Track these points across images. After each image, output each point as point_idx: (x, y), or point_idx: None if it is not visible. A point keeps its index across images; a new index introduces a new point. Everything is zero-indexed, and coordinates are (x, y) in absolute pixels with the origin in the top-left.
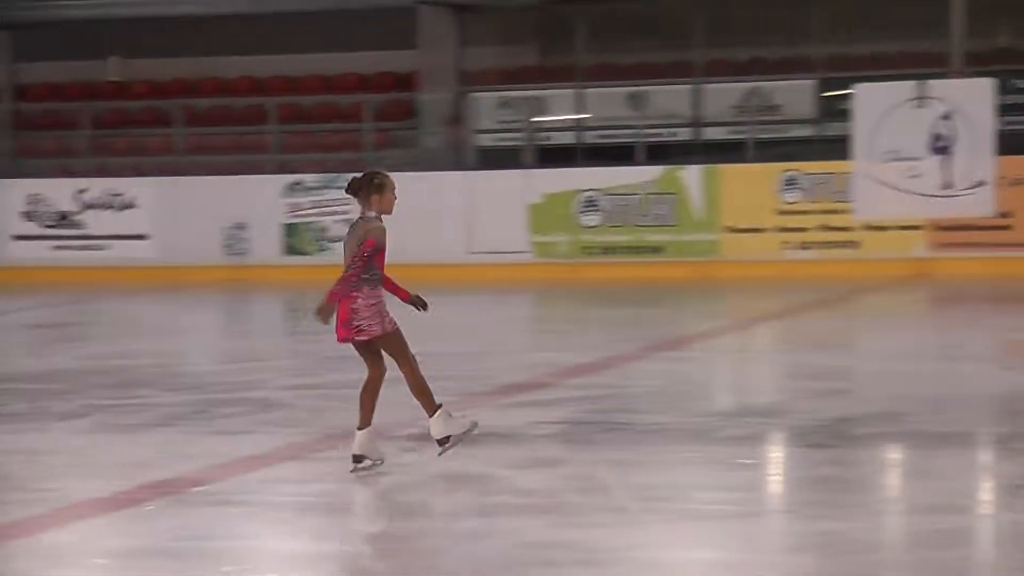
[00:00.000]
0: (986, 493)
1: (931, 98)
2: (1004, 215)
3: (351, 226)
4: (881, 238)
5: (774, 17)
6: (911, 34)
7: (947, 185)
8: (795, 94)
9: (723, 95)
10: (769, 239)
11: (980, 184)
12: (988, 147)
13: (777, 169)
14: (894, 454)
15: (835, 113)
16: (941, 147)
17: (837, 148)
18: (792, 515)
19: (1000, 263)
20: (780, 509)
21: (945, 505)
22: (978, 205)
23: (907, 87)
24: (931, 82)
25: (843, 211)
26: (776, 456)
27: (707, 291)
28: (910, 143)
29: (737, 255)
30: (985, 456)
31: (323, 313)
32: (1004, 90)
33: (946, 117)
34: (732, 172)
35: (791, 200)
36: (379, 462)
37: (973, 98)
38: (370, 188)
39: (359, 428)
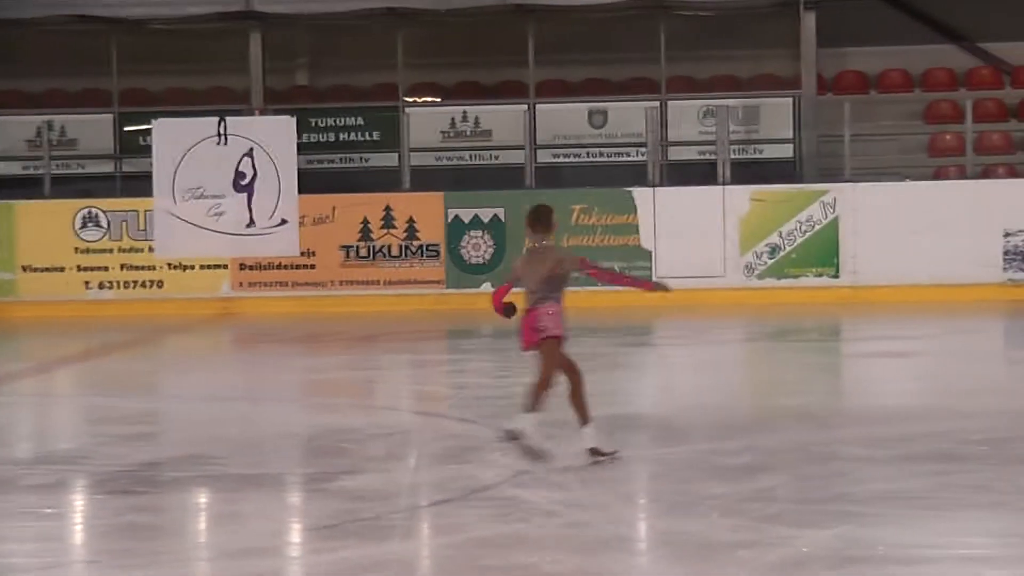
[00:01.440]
0: (295, 535)
1: (234, 135)
2: (307, 254)
3: (532, 252)
4: (185, 277)
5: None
6: (214, 69)
7: (251, 223)
8: (93, 128)
9: (17, 128)
10: (69, 278)
11: (284, 223)
12: (291, 185)
13: (75, 206)
14: (203, 498)
15: (136, 148)
16: (244, 185)
17: (138, 185)
18: (98, 565)
19: (304, 302)
20: (85, 559)
21: (256, 548)
22: (282, 244)
23: (209, 123)
24: (233, 119)
25: (145, 249)
26: (81, 504)
27: (4, 333)
28: (212, 180)
29: (35, 295)
30: (293, 497)
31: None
32: (304, 128)
33: (248, 155)
34: (28, 209)
35: (91, 238)
36: (615, 453)
37: (275, 135)
38: (551, 220)
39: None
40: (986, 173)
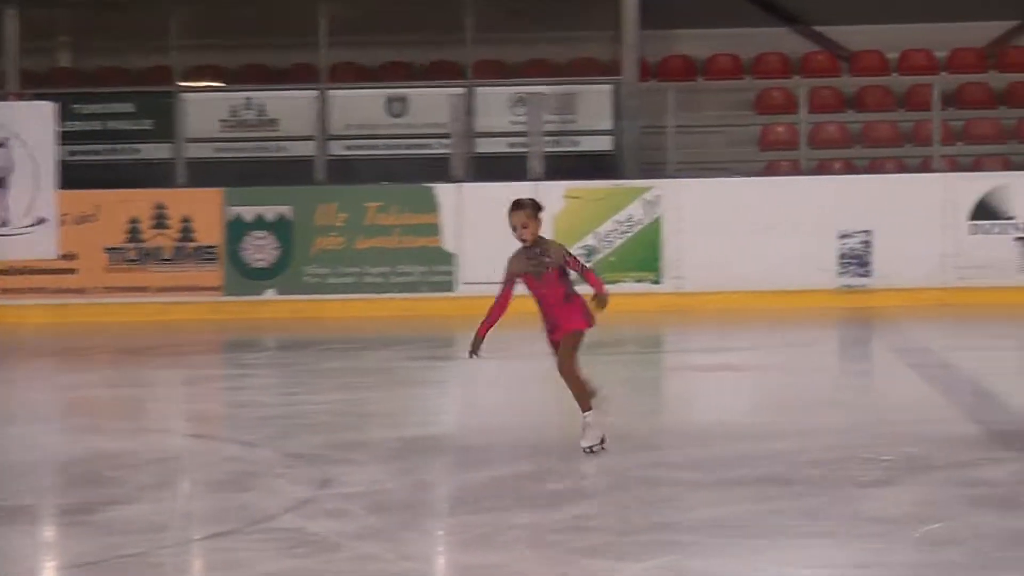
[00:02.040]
0: (52, 572)
1: None
2: (68, 257)
3: (530, 250)
4: None
5: None
6: None
7: (4, 223)
8: None
9: None
10: None
11: (41, 222)
12: (50, 180)
13: None
14: None
15: None
16: None
17: None
18: None
19: (64, 310)
20: None
21: None
22: (39, 246)
23: None
24: None
25: None
26: None
27: None
28: None
29: None
30: (49, 532)
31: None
32: (67, 115)
33: (1, 145)
34: None
35: None
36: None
37: (31, 124)
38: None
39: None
40: (821, 168)
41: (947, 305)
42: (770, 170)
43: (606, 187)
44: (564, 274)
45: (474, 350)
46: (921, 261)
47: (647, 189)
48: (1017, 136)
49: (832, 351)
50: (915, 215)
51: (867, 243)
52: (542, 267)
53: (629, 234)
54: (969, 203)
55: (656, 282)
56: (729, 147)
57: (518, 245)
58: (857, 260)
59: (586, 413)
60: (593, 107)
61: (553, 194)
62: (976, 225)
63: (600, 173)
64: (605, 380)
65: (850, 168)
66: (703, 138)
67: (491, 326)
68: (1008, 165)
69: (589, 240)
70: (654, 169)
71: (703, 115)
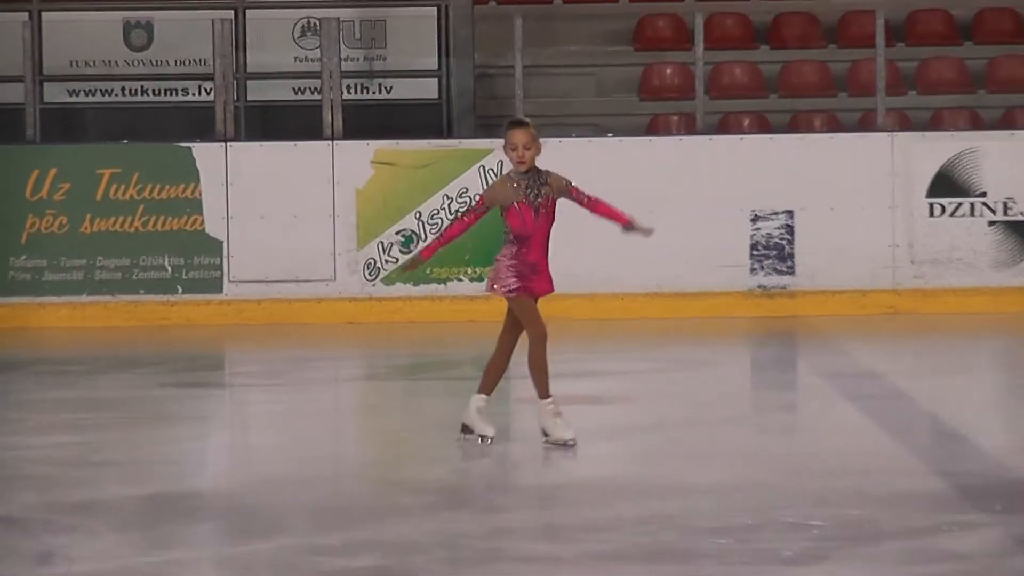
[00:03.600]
0: None
1: None
2: None
3: (526, 175)
4: None
5: None
6: None
7: None
8: None
9: None
10: None
11: None
12: None
13: None
14: None
15: None
16: None
17: None
18: None
19: None
20: None
21: None
22: None
23: None
24: None
25: None
26: None
27: None
28: None
29: None
30: None
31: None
32: None
33: None
34: None
35: None
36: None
37: None
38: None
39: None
40: (724, 125)
41: (897, 313)
42: (655, 127)
43: (430, 149)
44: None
45: (410, 267)
46: (862, 253)
47: (487, 152)
48: (988, 82)
49: (741, 377)
50: (853, 191)
51: (788, 229)
52: (540, 195)
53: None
54: (926, 174)
55: None
56: (599, 96)
57: (313, 228)
58: (776, 252)
59: (547, 400)
60: (411, 39)
61: (356, 158)
62: (936, 204)
63: (422, 130)
64: (427, 416)
65: (764, 125)
66: (563, 83)
67: (439, 247)
68: (977, 121)
69: (407, 222)
70: (496, 125)
71: (562, 51)
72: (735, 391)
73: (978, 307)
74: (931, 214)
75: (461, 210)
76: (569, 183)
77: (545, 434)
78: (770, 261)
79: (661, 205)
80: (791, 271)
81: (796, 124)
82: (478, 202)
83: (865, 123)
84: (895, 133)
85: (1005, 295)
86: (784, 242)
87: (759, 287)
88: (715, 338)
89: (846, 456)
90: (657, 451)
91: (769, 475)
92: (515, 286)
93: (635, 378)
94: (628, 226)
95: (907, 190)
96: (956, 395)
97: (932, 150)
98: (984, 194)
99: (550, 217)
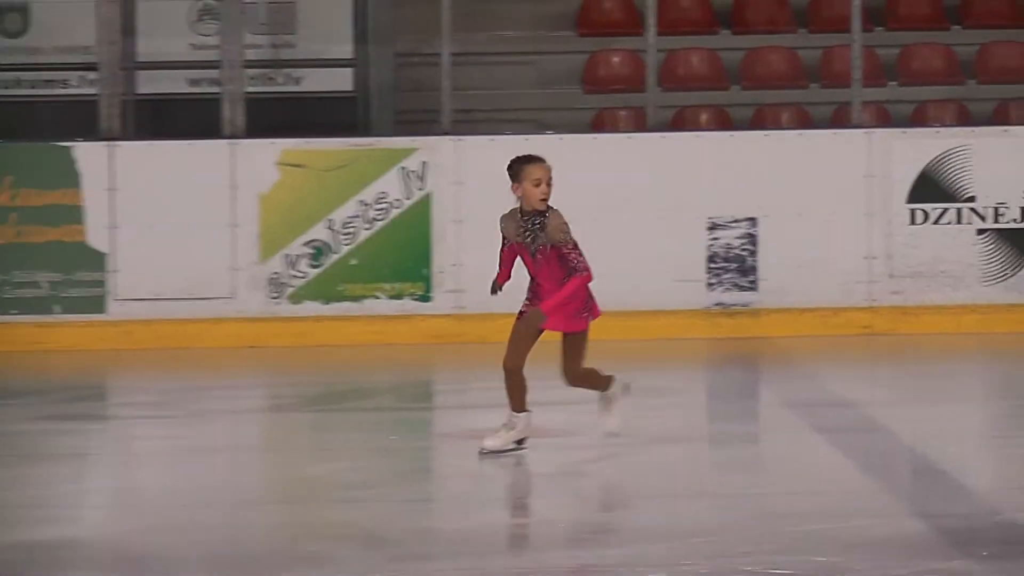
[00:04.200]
0: None
1: None
2: None
3: (529, 215)
4: None
5: None
6: None
7: None
8: None
9: None
10: None
11: None
12: None
13: None
14: None
15: None
16: None
17: None
18: None
19: None
20: None
21: None
22: None
23: None
24: None
25: None
26: None
27: None
28: None
29: None
30: None
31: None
32: None
33: None
34: None
35: None
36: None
37: None
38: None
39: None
40: (679, 121)
41: (874, 334)
42: (601, 123)
43: (343, 148)
44: (563, 256)
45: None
46: (834, 266)
47: (408, 152)
48: (979, 71)
49: (696, 406)
50: (824, 195)
51: (751, 239)
52: (536, 242)
53: (381, 223)
54: (908, 176)
55: (424, 298)
56: (539, 87)
57: (210, 239)
58: (736, 265)
59: (610, 389)
60: (323, 24)
61: (260, 160)
62: (918, 210)
63: (335, 127)
64: (341, 453)
65: (724, 121)
66: (497, 73)
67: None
68: (965, 116)
69: (318, 232)
70: (420, 121)
71: (496, 37)
72: (690, 422)
73: (965, 327)
74: (912, 221)
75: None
76: (565, 240)
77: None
78: (730, 275)
79: (607, 211)
80: (753, 287)
81: (760, 119)
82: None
83: (839, 118)
84: (872, 130)
85: (995, 313)
86: (746, 254)
87: (717, 305)
88: (668, 362)
89: (816, 496)
90: (601, 490)
91: (728, 517)
92: (522, 308)
93: (578, 409)
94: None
95: (886, 194)
96: (939, 427)
97: (914, 149)
98: (973, 199)
99: (552, 260)
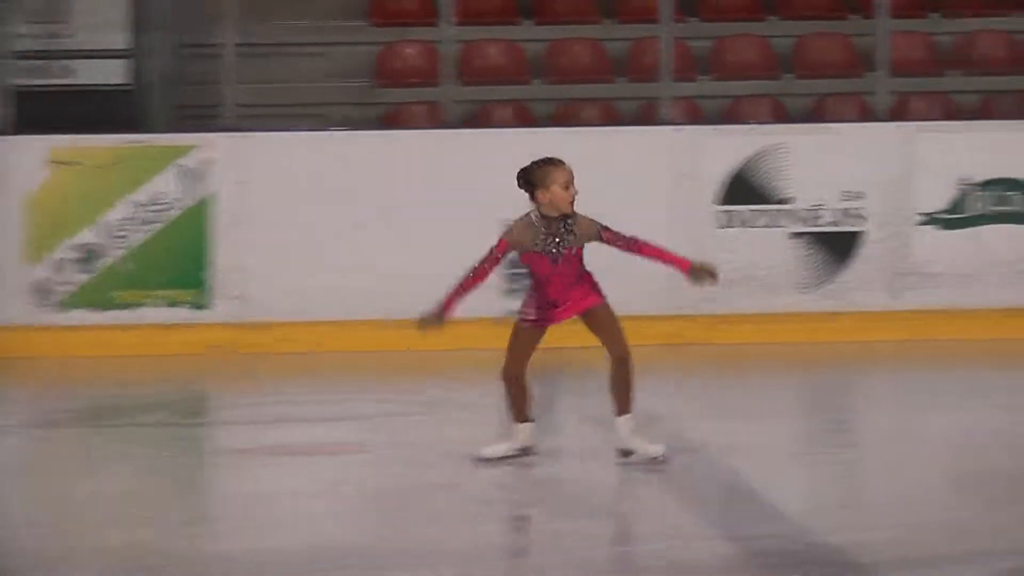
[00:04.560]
0: None
1: None
2: None
3: (556, 221)
4: None
5: None
6: None
7: None
8: None
9: None
10: None
11: None
12: None
13: None
14: None
15: None
16: None
17: None
18: None
19: None
20: None
21: None
22: None
23: None
24: None
25: None
26: None
27: None
28: None
29: None
30: None
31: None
32: None
33: None
34: None
35: None
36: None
37: None
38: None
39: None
40: (480, 117)
41: (682, 345)
42: (395, 119)
43: (118, 146)
44: (612, 241)
45: (434, 323)
46: (638, 272)
47: (186, 149)
48: (797, 65)
49: (488, 422)
50: (629, 196)
51: None
52: (563, 246)
53: (157, 225)
54: (719, 176)
55: (201, 306)
56: (328, 80)
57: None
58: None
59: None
60: (100, 12)
61: (28, 157)
62: (729, 213)
63: (111, 122)
64: (114, 473)
65: (525, 116)
66: (284, 65)
67: (462, 296)
68: (781, 113)
69: (88, 235)
70: (201, 116)
71: (284, 27)
72: (481, 438)
73: (780, 336)
74: (724, 224)
75: (477, 261)
76: (601, 228)
77: (628, 453)
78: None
79: (400, 213)
80: None
81: (564, 115)
82: (498, 246)
83: (647, 115)
84: (682, 127)
85: (812, 321)
86: None
87: (512, 313)
88: (460, 374)
89: (618, 518)
90: (391, 512)
91: (516, 541)
92: (532, 317)
93: (369, 423)
94: (693, 272)
95: (695, 195)
96: (749, 443)
97: (726, 147)
98: (788, 200)
99: (573, 262)
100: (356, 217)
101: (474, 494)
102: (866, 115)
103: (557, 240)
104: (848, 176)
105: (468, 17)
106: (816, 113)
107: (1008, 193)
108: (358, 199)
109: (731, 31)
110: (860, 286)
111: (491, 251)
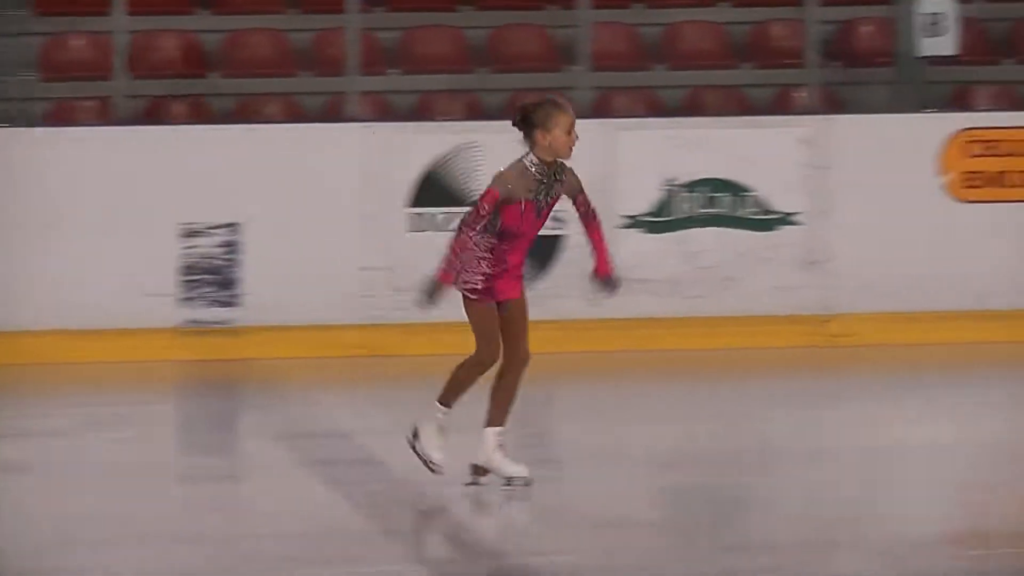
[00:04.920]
0: None
1: None
2: None
3: (548, 167)
4: None
5: None
6: None
7: None
8: None
9: None
10: None
11: None
12: None
13: None
14: None
15: None
16: None
17: None
18: None
19: None
20: None
21: None
22: None
23: None
24: None
25: None
26: None
27: None
28: None
29: None
30: None
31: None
32: None
33: None
34: None
35: None
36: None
37: None
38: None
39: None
40: (152, 112)
41: (373, 356)
42: (59, 115)
43: None
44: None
45: (432, 298)
46: (327, 279)
47: None
48: (491, 59)
49: (161, 439)
50: (317, 198)
51: (231, 247)
52: (550, 195)
53: None
54: (410, 176)
55: None
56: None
57: None
58: (214, 278)
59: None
60: None
61: None
62: (421, 215)
63: None
64: None
65: (203, 113)
66: None
67: (455, 263)
68: (477, 109)
69: None
70: None
71: None
72: (152, 459)
73: (472, 346)
74: (415, 228)
75: (463, 216)
76: (582, 187)
77: (481, 472)
78: (208, 289)
79: (60, 216)
80: (235, 302)
81: (244, 111)
82: (487, 195)
83: (333, 110)
84: (371, 124)
85: None
86: (225, 265)
87: (192, 322)
88: (134, 389)
89: (305, 539)
90: (58, 538)
91: (210, 565)
92: (479, 287)
93: (31, 442)
94: (605, 278)
95: (386, 197)
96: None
97: (418, 145)
98: None
99: (545, 218)
100: (15, 220)
101: (141, 515)
102: None
103: (548, 188)
104: None
105: (140, 7)
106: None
107: (716, 194)
108: (18, 203)
109: (421, 22)
110: (559, 293)
111: (478, 206)
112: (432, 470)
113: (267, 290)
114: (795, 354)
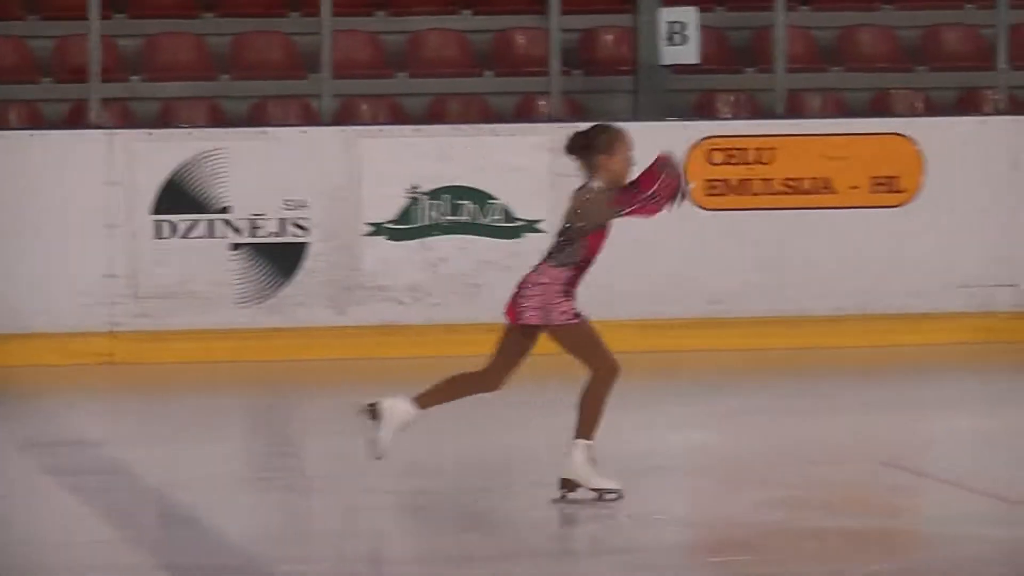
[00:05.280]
0: None
1: None
2: None
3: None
4: None
5: None
6: None
7: None
8: None
9: None
10: None
11: None
12: None
13: None
14: None
15: None
16: None
17: None
18: None
19: None
20: None
21: None
22: None
23: None
24: None
25: None
26: None
27: None
28: None
29: None
30: None
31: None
32: None
33: None
34: None
35: None
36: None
37: None
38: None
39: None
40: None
41: (116, 364)
42: None
43: None
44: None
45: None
46: (69, 286)
47: None
48: (235, 65)
49: None
50: (66, 206)
51: None
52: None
53: None
54: (153, 184)
55: None
56: None
57: None
58: None
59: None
60: None
61: None
62: (165, 222)
63: None
64: None
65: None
66: None
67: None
68: (219, 116)
69: None
70: None
71: None
72: None
73: (217, 354)
74: (159, 235)
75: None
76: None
77: (571, 486)
78: None
79: None
80: None
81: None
82: (621, 199)
83: (75, 118)
84: (114, 131)
85: (253, 339)
86: None
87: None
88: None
89: (41, 547)
90: None
91: None
92: (574, 310)
93: None
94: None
95: (130, 204)
96: (191, 468)
97: (161, 152)
98: (227, 209)
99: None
100: None
101: None
102: (309, 119)
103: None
104: (290, 184)
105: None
106: (255, 117)
107: (460, 202)
108: None
109: (163, 28)
110: (304, 301)
111: (617, 203)
112: (376, 456)
113: (10, 296)
114: (537, 361)
